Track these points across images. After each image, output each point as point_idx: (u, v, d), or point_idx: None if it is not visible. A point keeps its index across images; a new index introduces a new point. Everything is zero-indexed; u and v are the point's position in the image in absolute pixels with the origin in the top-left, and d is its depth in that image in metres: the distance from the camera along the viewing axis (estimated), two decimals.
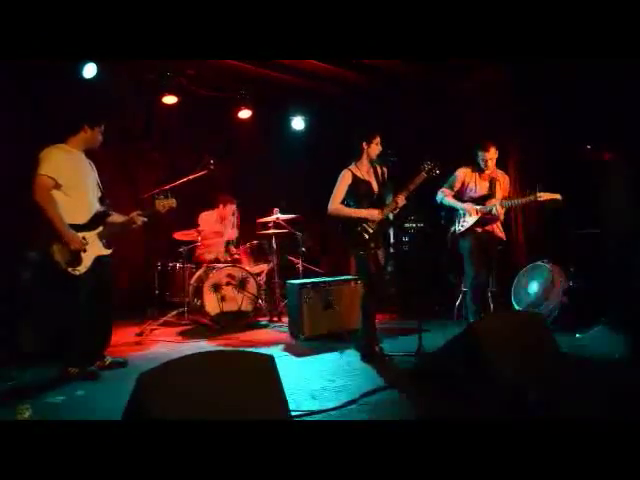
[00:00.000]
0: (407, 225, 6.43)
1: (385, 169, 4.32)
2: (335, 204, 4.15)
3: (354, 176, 4.18)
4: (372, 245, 4.12)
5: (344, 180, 4.18)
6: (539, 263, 5.35)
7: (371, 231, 4.11)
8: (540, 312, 4.99)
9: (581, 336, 4.33)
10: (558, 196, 4.34)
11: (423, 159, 4.09)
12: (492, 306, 5.14)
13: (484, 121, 6.07)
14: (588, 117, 5.11)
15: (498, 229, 4.78)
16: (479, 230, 4.70)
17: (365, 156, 4.22)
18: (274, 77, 6.52)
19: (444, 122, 6.49)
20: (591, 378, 3.40)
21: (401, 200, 4.07)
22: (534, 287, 5.30)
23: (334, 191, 4.19)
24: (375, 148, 4.18)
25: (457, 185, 4.82)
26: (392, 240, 6.41)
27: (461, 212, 4.74)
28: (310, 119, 7.30)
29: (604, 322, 4.36)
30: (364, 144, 4.19)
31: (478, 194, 4.77)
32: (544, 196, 4.34)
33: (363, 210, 4.12)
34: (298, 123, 7.27)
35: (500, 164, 4.88)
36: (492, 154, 4.68)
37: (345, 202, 4.20)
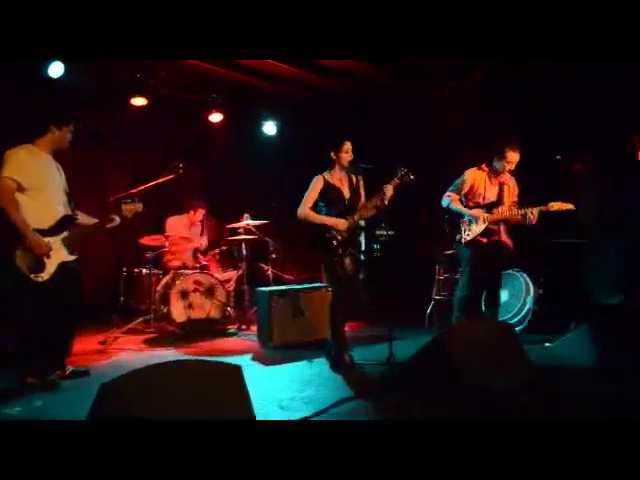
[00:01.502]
0: (378, 232, 6.47)
1: (359, 177, 4.34)
2: (304, 209, 4.16)
3: (326, 182, 4.21)
4: (340, 252, 4.13)
5: (315, 186, 4.20)
6: (510, 272, 5.42)
7: (340, 238, 4.12)
8: (510, 321, 5.08)
9: (550, 345, 4.42)
10: (571, 206, 4.22)
11: (397, 165, 4.10)
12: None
13: (466, 124, 6.12)
14: (559, 125, 5.20)
15: (506, 237, 4.67)
16: (484, 241, 4.61)
17: (337, 164, 4.24)
18: (246, 81, 6.51)
19: (424, 126, 6.53)
20: (557, 388, 3.46)
21: (389, 192, 4.02)
22: (505, 295, 5.36)
23: (305, 196, 4.20)
24: (345, 156, 4.18)
25: (465, 188, 4.69)
26: (363, 247, 6.44)
27: (467, 219, 4.64)
28: (282, 124, 7.30)
29: (573, 329, 4.44)
30: (332, 154, 4.20)
31: (486, 200, 4.68)
32: (555, 206, 4.24)
33: (329, 219, 4.14)
34: (270, 128, 7.26)
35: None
36: (517, 157, 4.53)
37: (317, 208, 4.21)
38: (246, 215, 6.05)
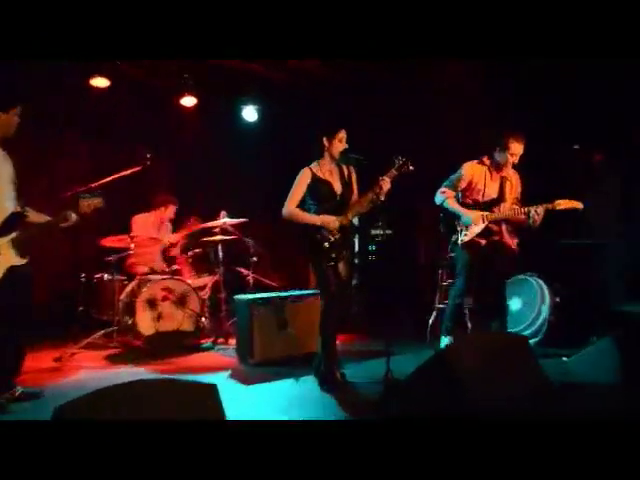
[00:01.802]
0: (374, 232, 6.47)
1: (351, 169, 4.34)
2: (290, 207, 4.15)
3: (314, 176, 4.19)
4: (333, 255, 4.12)
5: (302, 180, 4.18)
6: (523, 277, 5.44)
7: (332, 239, 4.11)
8: (523, 332, 5.09)
9: (568, 360, 4.43)
10: (579, 204, 4.29)
11: (394, 154, 4.09)
12: (469, 325, 5.20)
13: (467, 112, 6.17)
14: (580, 116, 5.27)
15: (508, 237, 4.73)
16: (483, 242, 4.68)
17: (327, 154, 4.22)
18: (223, 60, 6.48)
19: (423, 114, 6.57)
20: (578, 408, 3.47)
21: (386, 184, 4.03)
22: (517, 304, 5.39)
23: (290, 192, 4.19)
24: (338, 145, 4.17)
25: (462, 184, 4.75)
26: (357, 249, 6.44)
27: (465, 219, 4.69)
28: (264, 109, 7.27)
29: (594, 342, 4.45)
30: (325, 140, 4.18)
31: (486, 197, 4.73)
32: (562, 204, 4.30)
33: (318, 217, 4.13)
34: (250, 113, 7.23)
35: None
36: (521, 149, 4.59)
37: (305, 205, 4.21)
38: (223, 212, 6.02)
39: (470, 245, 4.67)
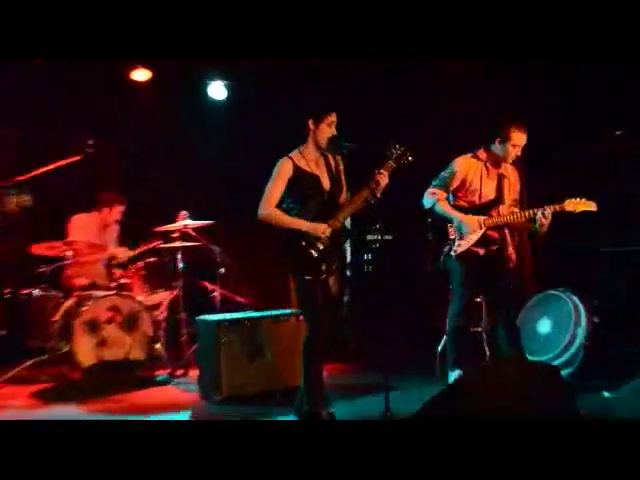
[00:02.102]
0: (370, 237, 6.48)
1: (339, 159, 4.34)
2: (267, 208, 4.13)
3: (296, 168, 4.17)
4: (323, 267, 4.11)
5: (282, 173, 4.16)
6: (553, 292, 5.45)
7: (322, 247, 4.08)
8: (554, 362, 5.09)
9: (610, 395, 4.44)
10: (592, 206, 4.38)
11: (389, 143, 4.11)
12: (487, 353, 5.21)
13: (474, 98, 6.24)
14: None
15: (510, 246, 4.81)
16: (481, 253, 4.74)
17: (312, 140, 4.21)
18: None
19: (422, 97, 6.61)
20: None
21: (384, 178, 4.06)
22: (546, 326, 5.39)
23: (267, 189, 4.17)
24: (326, 130, 4.15)
25: (455, 183, 4.81)
26: (349, 258, 6.44)
27: (459, 225, 4.75)
28: (235, 85, 7.26)
29: None
30: (311, 122, 4.16)
31: (483, 199, 4.81)
32: (572, 205, 4.38)
33: (304, 222, 4.10)
34: (218, 90, 7.21)
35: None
36: (524, 139, 4.67)
37: (284, 204, 4.19)
38: (184, 213, 6.02)
39: (466, 256, 4.72)
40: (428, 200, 4.83)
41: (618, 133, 5.39)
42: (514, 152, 4.68)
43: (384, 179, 4.04)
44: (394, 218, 6.29)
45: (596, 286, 5.46)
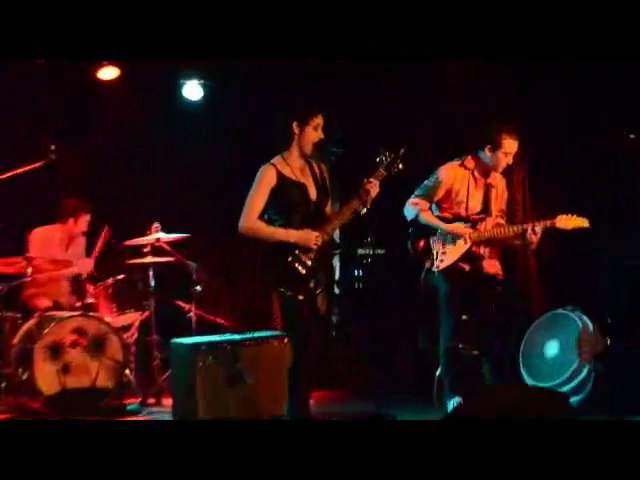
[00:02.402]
0: (360, 252, 6.44)
1: (325, 166, 4.34)
2: (249, 220, 4.12)
3: (280, 176, 4.16)
4: (311, 285, 4.10)
5: (264, 182, 4.15)
6: (561, 311, 5.44)
7: (309, 263, 4.08)
8: (562, 388, 5.07)
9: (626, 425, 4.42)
10: (583, 222, 4.48)
11: (378, 149, 4.13)
12: (490, 378, 5.18)
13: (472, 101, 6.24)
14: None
15: (488, 263, 4.89)
16: (467, 268, 4.81)
17: (296, 145, 4.19)
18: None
19: (416, 99, 6.62)
20: None
21: (374, 187, 4.06)
22: (554, 348, 5.36)
23: (248, 199, 4.16)
24: (312, 134, 4.14)
25: (439, 193, 4.86)
26: (338, 275, 6.42)
27: (442, 237, 4.80)
28: (212, 85, 7.23)
29: None
30: (295, 125, 4.14)
31: (470, 211, 4.86)
32: (563, 221, 4.47)
33: (290, 232, 4.09)
34: (193, 90, 7.18)
35: None
36: (515, 146, 4.73)
37: (266, 216, 4.18)
38: (156, 225, 5.98)
39: (450, 272, 4.79)
40: (410, 211, 4.89)
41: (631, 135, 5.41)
42: (505, 160, 4.73)
43: (374, 188, 4.05)
44: (387, 230, 6.27)
45: (609, 304, 5.42)
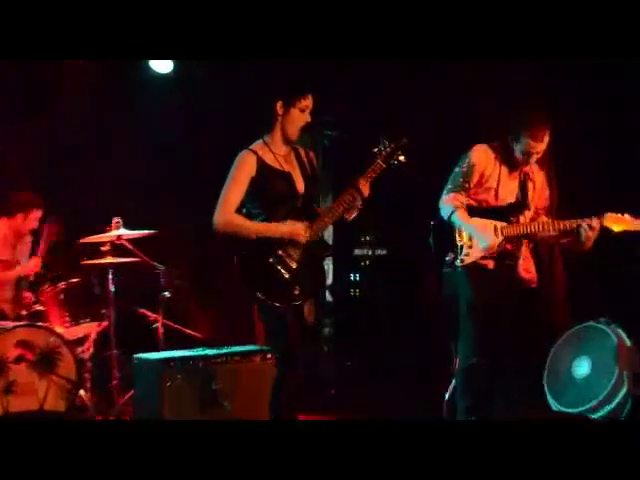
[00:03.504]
0: (358, 253, 6.48)
1: (315, 155, 4.40)
2: (225, 214, 4.17)
3: (261, 163, 4.20)
4: (296, 292, 4.14)
5: (243, 170, 4.20)
6: (592, 324, 5.47)
7: (294, 265, 4.14)
8: (594, 414, 5.14)
9: None
10: (632, 224, 4.49)
11: (378, 138, 4.16)
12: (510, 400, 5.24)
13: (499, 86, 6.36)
14: None
15: (524, 266, 4.88)
16: (491, 266, 4.78)
17: (280, 129, 4.24)
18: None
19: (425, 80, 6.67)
20: None
21: (365, 189, 4.10)
22: (584, 367, 5.41)
23: (224, 190, 4.21)
24: (299, 117, 4.18)
25: (475, 179, 4.83)
26: (330, 280, 6.51)
27: (465, 233, 4.79)
28: (185, 58, 7.26)
29: None
30: (279, 106, 4.18)
31: (501, 200, 4.85)
32: (610, 219, 4.48)
33: (275, 226, 4.13)
34: (162, 64, 7.22)
35: None
36: (544, 146, 4.72)
37: (245, 210, 4.23)
38: (117, 221, 6.02)
39: (476, 271, 4.76)
40: (447, 208, 4.81)
41: None
42: (527, 158, 4.75)
43: (366, 189, 4.11)
44: (390, 227, 6.36)
45: None
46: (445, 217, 4.81)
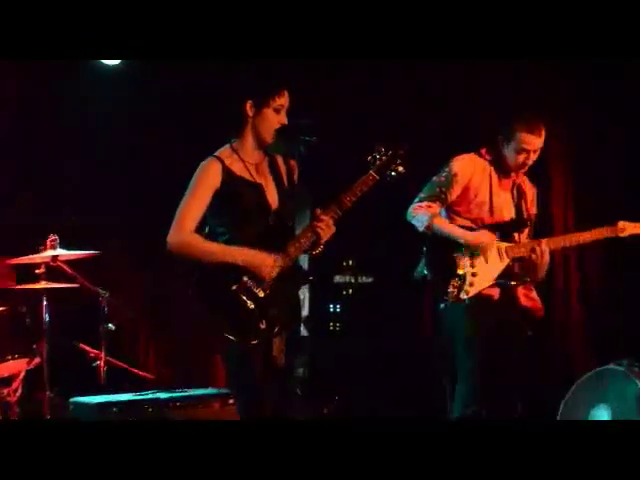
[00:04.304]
0: (338, 280, 6.48)
1: (293, 164, 4.37)
2: (183, 232, 4.12)
3: (227, 173, 4.17)
4: (262, 325, 4.10)
5: (205, 181, 4.17)
6: (612, 367, 5.50)
7: (262, 294, 4.09)
8: None
9: None
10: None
11: (373, 146, 4.14)
12: None
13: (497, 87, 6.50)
14: None
15: (524, 293, 4.96)
16: (495, 296, 4.86)
17: (251, 133, 4.22)
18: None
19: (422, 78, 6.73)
20: None
21: (325, 229, 4.09)
22: (602, 417, 5.44)
23: (182, 204, 4.17)
24: (273, 118, 4.15)
25: (455, 191, 4.90)
26: (306, 311, 6.46)
27: (469, 252, 4.82)
28: (137, 52, 7.25)
29: None
30: (249, 106, 4.16)
31: (495, 216, 4.93)
32: (629, 229, 4.62)
33: (238, 251, 4.09)
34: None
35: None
36: (540, 143, 4.82)
37: (209, 227, 4.22)
38: (53, 239, 5.98)
39: (478, 302, 4.82)
40: (418, 218, 4.88)
41: None
42: (522, 158, 4.83)
43: (330, 228, 4.10)
44: (375, 251, 6.34)
45: None
46: (421, 228, 4.87)
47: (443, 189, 4.89)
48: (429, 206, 4.88)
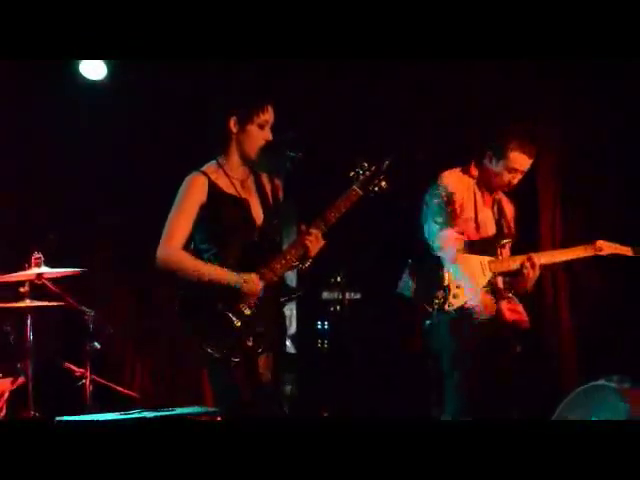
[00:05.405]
0: (326, 296, 6.49)
1: (278, 180, 4.41)
2: (170, 248, 4.15)
3: (213, 188, 4.21)
4: (249, 342, 4.13)
5: (191, 196, 4.21)
6: (603, 383, 5.50)
7: (248, 312, 4.12)
8: None
9: None
10: (628, 250, 4.75)
11: (354, 161, 4.18)
12: None
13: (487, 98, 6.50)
14: None
15: (508, 307, 5.00)
16: (485, 314, 4.87)
17: (236, 149, 4.26)
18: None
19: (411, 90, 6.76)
20: None
21: (314, 243, 4.12)
22: None
23: (168, 220, 4.21)
24: (257, 134, 4.19)
25: (457, 209, 4.93)
26: (293, 328, 6.46)
27: (451, 272, 4.84)
28: (119, 61, 7.26)
29: None
30: (232, 123, 4.20)
31: (481, 231, 4.99)
32: (607, 248, 4.69)
33: (222, 272, 4.10)
34: (94, 68, 7.21)
35: None
36: (530, 164, 4.87)
37: (193, 245, 4.24)
38: (37, 256, 6.01)
39: (462, 317, 4.83)
40: (449, 251, 4.86)
41: None
42: (509, 177, 4.88)
43: (318, 241, 4.13)
44: (364, 267, 6.35)
45: None
46: (450, 260, 4.86)
47: (450, 213, 4.91)
48: (457, 238, 4.90)
